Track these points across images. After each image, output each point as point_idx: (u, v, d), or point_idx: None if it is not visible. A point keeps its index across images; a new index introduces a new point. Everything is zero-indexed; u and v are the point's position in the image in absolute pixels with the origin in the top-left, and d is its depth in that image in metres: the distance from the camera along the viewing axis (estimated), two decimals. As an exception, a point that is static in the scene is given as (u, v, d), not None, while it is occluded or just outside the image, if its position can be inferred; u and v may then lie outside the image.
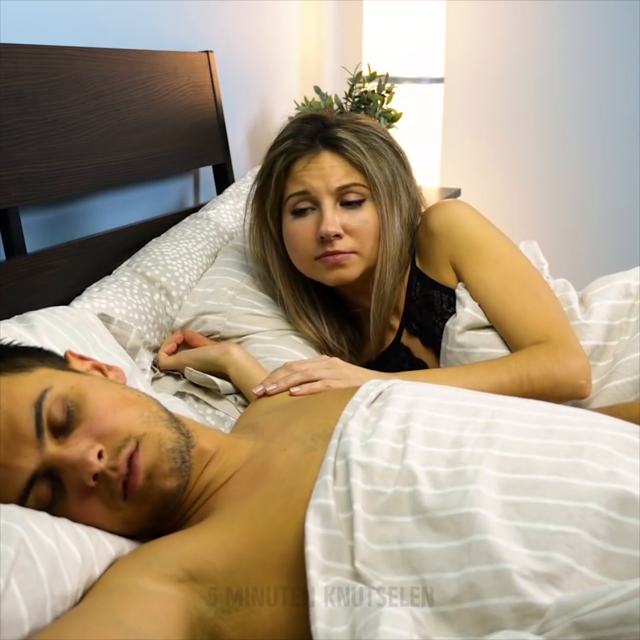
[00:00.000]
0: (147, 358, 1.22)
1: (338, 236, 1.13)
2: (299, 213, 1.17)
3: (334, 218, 1.13)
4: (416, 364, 1.21)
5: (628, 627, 0.52)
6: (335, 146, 1.15)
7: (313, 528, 0.65)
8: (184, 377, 1.24)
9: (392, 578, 0.62)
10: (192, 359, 1.23)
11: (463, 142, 2.49)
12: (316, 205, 1.15)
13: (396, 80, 2.03)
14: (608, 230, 2.40)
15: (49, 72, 1.28)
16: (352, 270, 1.16)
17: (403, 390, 0.81)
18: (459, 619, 0.60)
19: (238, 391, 1.19)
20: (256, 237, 1.26)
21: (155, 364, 1.27)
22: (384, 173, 1.16)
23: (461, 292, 1.13)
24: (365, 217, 1.15)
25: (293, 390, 0.99)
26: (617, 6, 2.21)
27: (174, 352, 1.27)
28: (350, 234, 1.15)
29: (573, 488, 0.64)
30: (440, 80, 2.17)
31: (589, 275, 1.21)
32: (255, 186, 1.24)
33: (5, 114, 1.18)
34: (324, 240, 1.14)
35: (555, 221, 2.48)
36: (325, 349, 1.25)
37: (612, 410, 0.86)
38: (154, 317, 1.27)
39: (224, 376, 1.19)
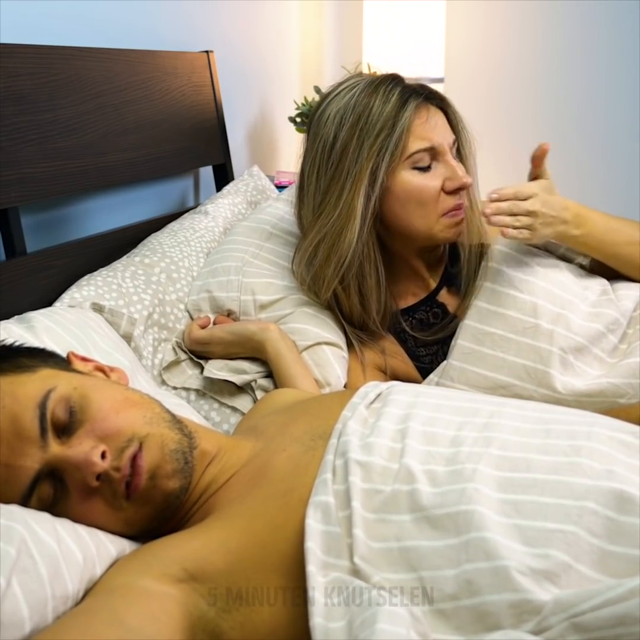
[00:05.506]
0: (144, 341, 1.19)
1: None
2: (424, 168, 1.17)
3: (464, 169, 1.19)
4: (450, 321, 1.23)
5: (627, 628, 0.52)
6: (441, 102, 1.20)
7: (313, 524, 0.65)
8: (205, 360, 1.22)
9: (390, 576, 0.62)
10: (227, 332, 1.21)
11: (463, 142, 2.48)
12: (436, 159, 1.18)
13: (396, 80, 2.03)
14: (607, 230, 2.40)
15: (49, 72, 1.28)
16: (465, 224, 1.21)
17: (402, 391, 0.82)
18: (457, 616, 0.60)
19: (266, 375, 1.18)
20: (351, 194, 1.15)
21: (178, 345, 1.24)
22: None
23: None
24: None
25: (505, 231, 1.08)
26: (617, 6, 2.20)
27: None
28: None
29: (571, 487, 0.64)
30: (440, 80, 2.16)
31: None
32: (364, 146, 1.14)
33: (5, 114, 1.18)
34: (457, 192, 1.17)
35: (555, 221, 2.47)
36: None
37: (611, 412, 0.86)
38: (151, 293, 1.24)
39: (254, 355, 1.19)
